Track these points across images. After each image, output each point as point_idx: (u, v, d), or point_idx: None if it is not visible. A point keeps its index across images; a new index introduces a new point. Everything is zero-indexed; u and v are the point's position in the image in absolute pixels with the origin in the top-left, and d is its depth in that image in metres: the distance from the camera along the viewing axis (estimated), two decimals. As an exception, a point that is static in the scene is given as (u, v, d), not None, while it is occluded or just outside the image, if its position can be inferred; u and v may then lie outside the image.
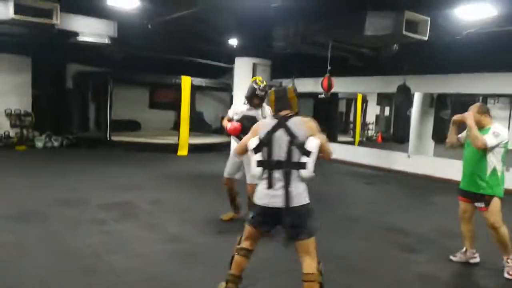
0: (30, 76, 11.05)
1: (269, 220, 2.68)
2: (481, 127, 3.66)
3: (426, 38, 6.33)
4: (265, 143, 2.66)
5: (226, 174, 4.82)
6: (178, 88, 11.02)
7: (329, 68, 8.11)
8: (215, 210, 5.50)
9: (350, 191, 7.60)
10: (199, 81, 11.56)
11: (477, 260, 3.95)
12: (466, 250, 3.95)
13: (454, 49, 7.84)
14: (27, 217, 4.70)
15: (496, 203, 3.64)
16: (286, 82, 10.74)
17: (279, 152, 2.62)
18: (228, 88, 11.89)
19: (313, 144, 2.59)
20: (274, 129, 2.67)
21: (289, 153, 2.60)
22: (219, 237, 4.35)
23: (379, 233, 4.85)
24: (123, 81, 11.75)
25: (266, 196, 2.63)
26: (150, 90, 14.20)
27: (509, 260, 3.68)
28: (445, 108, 11.70)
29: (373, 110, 19.63)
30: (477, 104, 3.81)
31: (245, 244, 2.79)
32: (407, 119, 9.62)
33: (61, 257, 3.62)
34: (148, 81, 12.38)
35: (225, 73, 12.85)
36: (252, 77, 8.57)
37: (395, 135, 10.19)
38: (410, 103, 9.63)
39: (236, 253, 2.80)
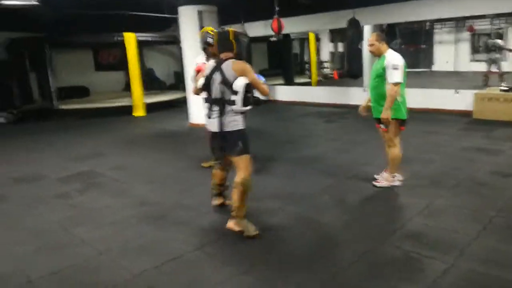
0: (-43, 51, 10.06)
1: (214, 141, 3.39)
2: (379, 54, 3.95)
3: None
4: (207, 83, 3.26)
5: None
6: (123, 46, 10.42)
7: (277, 9, 7.88)
8: (179, 168, 5.46)
9: (311, 132, 7.74)
10: (144, 36, 10.95)
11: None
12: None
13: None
14: (-18, 201, 4.46)
15: (392, 125, 3.97)
16: (236, 28, 10.39)
17: (216, 91, 3.21)
18: (175, 41, 11.36)
19: (239, 84, 3.09)
20: (213, 71, 3.23)
21: (222, 92, 3.17)
22: (185, 195, 4.35)
23: (341, 168, 5.01)
24: (61, 44, 10.92)
25: (208, 124, 3.34)
26: (93, 51, 13.33)
27: (385, 174, 4.21)
28: (394, 38, 11.85)
29: (327, 48, 19.64)
30: (375, 33, 4.05)
31: (218, 161, 3.64)
32: (359, 53, 9.68)
33: (28, 236, 3.50)
34: (88, 41, 11.55)
35: (170, 25, 12.21)
36: (200, 25, 8.24)
37: (349, 70, 10.27)
38: (360, 37, 9.65)
39: (214, 168, 3.75)
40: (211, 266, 2.87)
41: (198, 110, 8.53)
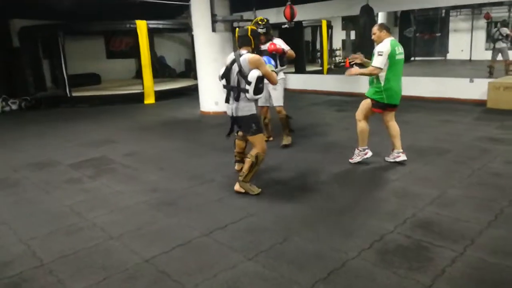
0: (-28, 38, 10.17)
1: (232, 123, 3.96)
2: (380, 41, 4.33)
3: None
4: (226, 73, 3.81)
5: (260, 103, 5.39)
6: (134, 33, 10.43)
7: (290, -5, 7.78)
8: (190, 155, 5.49)
9: (323, 120, 7.68)
10: (155, 24, 10.92)
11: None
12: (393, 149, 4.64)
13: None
14: (-3, 186, 4.55)
15: (365, 102, 4.47)
16: (248, 15, 10.29)
17: (233, 80, 3.76)
18: (187, 28, 11.32)
19: (252, 75, 3.62)
20: (232, 63, 3.77)
21: (238, 81, 3.72)
22: (195, 182, 4.37)
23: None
24: (74, 32, 10.99)
25: (226, 108, 3.93)
26: (105, 39, 13.40)
27: (356, 150, 4.64)
28: (409, 26, 11.64)
29: (339, 36, 19.38)
30: (378, 23, 4.51)
31: (239, 134, 4.30)
32: (372, 41, 9.52)
33: (41, 220, 3.56)
34: (101, 29, 11.61)
35: (182, 12, 12.15)
36: (212, 12, 8.19)
37: (361, 58, 10.12)
38: (374, 24, 9.47)
39: (236, 139, 4.39)
40: (219, 251, 2.89)
41: (209, 98, 8.56)
